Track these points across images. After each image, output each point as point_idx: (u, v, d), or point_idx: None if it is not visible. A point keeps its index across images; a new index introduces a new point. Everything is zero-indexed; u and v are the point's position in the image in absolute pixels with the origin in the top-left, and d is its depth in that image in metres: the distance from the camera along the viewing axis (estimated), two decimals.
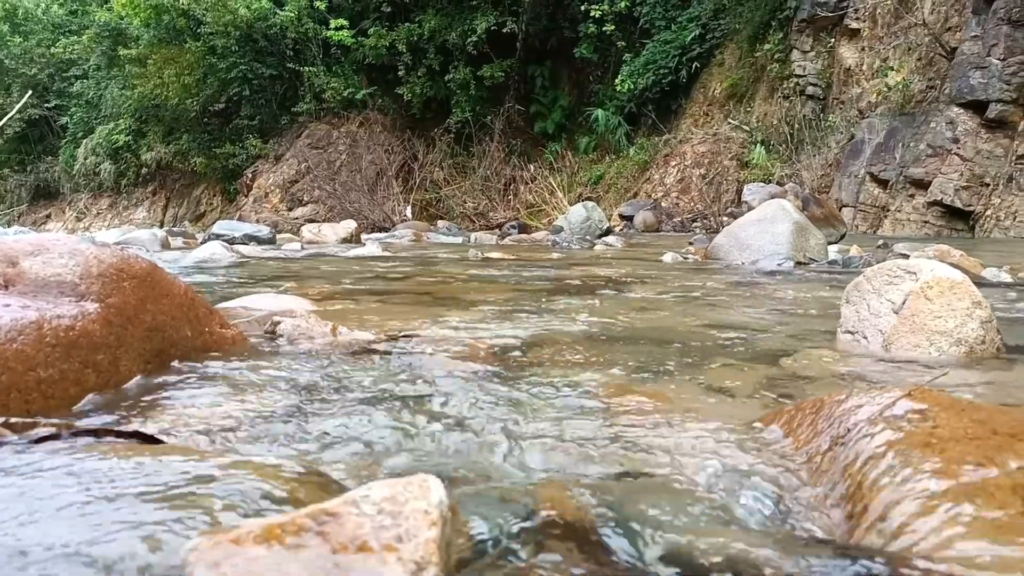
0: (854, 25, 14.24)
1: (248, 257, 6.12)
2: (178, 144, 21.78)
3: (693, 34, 16.83)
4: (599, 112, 17.82)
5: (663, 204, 14.67)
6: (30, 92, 23.75)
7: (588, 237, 9.39)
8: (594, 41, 17.92)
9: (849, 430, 1.04)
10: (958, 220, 11.20)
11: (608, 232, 10.42)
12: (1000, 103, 10.84)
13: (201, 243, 7.64)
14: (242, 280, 4.21)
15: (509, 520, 0.84)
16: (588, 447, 1.18)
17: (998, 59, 10.88)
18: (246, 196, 19.84)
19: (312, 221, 14.75)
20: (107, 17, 21.68)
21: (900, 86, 12.76)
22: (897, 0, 13.02)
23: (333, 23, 18.57)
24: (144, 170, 23.33)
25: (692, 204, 14.61)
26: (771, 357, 1.94)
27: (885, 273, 2.06)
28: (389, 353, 1.82)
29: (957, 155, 11.16)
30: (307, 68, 19.14)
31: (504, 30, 17.96)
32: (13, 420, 1.04)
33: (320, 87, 19.19)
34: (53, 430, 1.00)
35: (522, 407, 1.38)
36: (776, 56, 15.44)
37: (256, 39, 19.37)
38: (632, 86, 16.96)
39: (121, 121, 23.14)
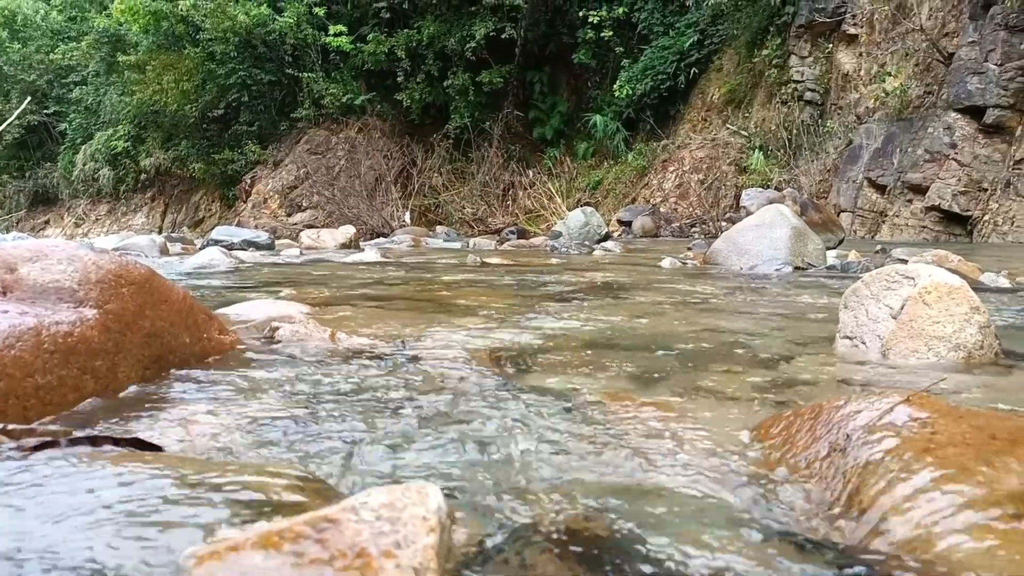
0: (852, 31, 14.27)
1: (247, 263, 6.12)
2: (177, 150, 21.80)
3: (691, 40, 16.87)
4: (597, 118, 17.85)
5: (662, 209, 14.68)
6: (29, 98, 23.76)
7: (587, 242, 9.39)
8: (592, 47, 17.96)
9: (848, 436, 1.04)
10: (956, 225, 11.22)
11: (607, 237, 10.43)
12: (997, 108, 10.87)
13: (200, 249, 7.64)
14: (241, 286, 4.20)
15: (507, 526, 0.84)
16: (587, 453, 1.18)
17: (995, 64, 10.90)
18: (245, 202, 19.85)
19: (311, 227, 14.74)
20: (106, 23, 21.72)
21: (898, 91, 12.79)
22: (894, 6, 13.06)
23: (332, 29, 18.60)
24: (143, 176, 23.34)
25: (690, 209, 14.62)
26: (769, 363, 1.94)
27: (883, 278, 2.06)
28: (388, 359, 1.82)
29: (955, 160, 11.18)
30: (306, 74, 19.17)
31: (503, 36, 17.99)
32: (11, 427, 1.03)
33: (319, 93, 19.21)
34: (51, 437, 1.00)
35: (520, 413, 1.38)
36: (774, 62, 15.48)
37: (255, 45, 19.40)
38: (630, 92, 16.99)
39: (120, 127, 23.17)
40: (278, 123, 20.35)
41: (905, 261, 4.22)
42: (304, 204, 18.92)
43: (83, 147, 24.76)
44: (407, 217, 17.67)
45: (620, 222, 13.89)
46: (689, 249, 7.77)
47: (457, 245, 10.60)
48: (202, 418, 1.28)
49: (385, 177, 18.93)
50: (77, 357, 1.36)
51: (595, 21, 17.29)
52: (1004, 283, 4.22)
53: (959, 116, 11.30)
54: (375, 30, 18.78)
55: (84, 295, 1.46)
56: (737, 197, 13.54)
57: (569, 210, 13.72)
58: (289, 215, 18.74)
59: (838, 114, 14.35)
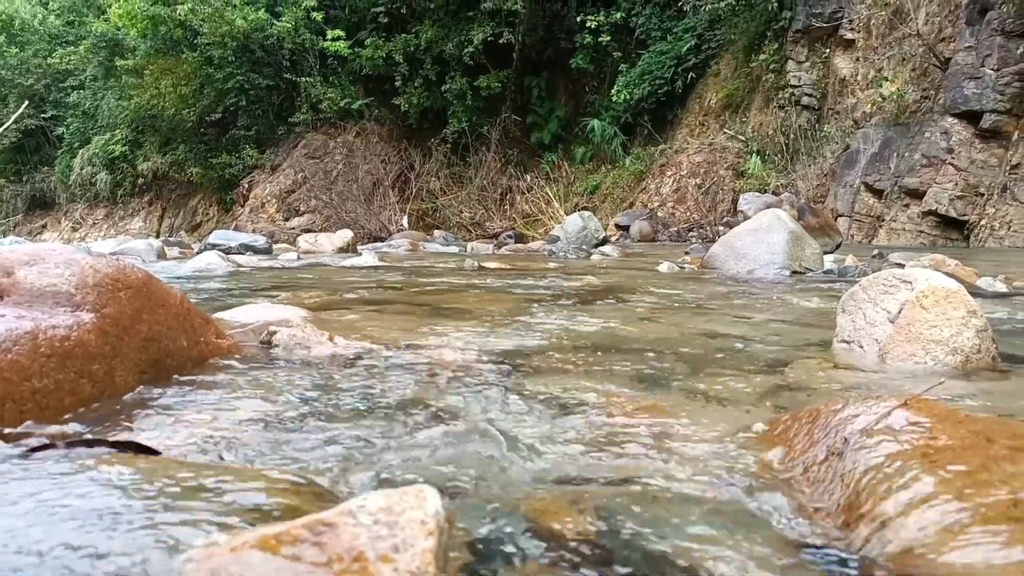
0: (849, 36, 14.31)
1: (244, 267, 6.12)
2: (174, 154, 21.80)
3: (689, 44, 16.91)
4: (595, 122, 17.87)
5: (659, 214, 14.69)
6: (26, 102, 23.73)
7: (584, 247, 9.40)
8: (590, 52, 17.99)
9: (846, 440, 1.04)
10: (953, 230, 11.24)
11: (604, 242, 10.43)
12: (994, 113, 10.90)
13: (197, 253, 7.64)
14: (238, 290, 4.20)
15: (506, 530, 0.84)
16: (585, 456, 1.18)
17: (992, 69, 10.93)
18: (242, 206, 19.84)
19: (308, 231, 14.75)
20: (104, 28, 21.71)
21: (895, 96, 12.82)
22: (891, 11, 13.09)
23: (330, 34, 18.62)
24: (140, 180, 23.33)
25: (688, 214, 14.63)
26: (767, 367, 1.94)
27: (881, 282, 2.06)
28: (386, 363, 1.82)
29: (951, 165, 11.20)
30: (304, 79, 19.18)
31: (501, 41, 18.02)
32: (7, 430, 1.03)
33: (317, 97, 19.22)
34: (48, 440, 1.00)
35: (519, 416, 1.38)
36: (771, 66, 15.51)
37: (253, 50, 19.42)
38: (628, 96, 17.02)
39: (117, 131, 23.16)
40: (276, 127, 20.35)
41: (902, 265, 4.23)
42: (302, 208, 18.92)
43: (80, 151, 24.74)
44: (405, 221, 17.68)
45: (618, 227, 13.90)
46: (687, 253, 7.77)
47: (455, 249, 10.60)
48: (199, 422, 1.28)
49: (383, 181, 18.94)
50: (74, 361, 1.36)
51: (593, 26, 17.33)
52: (1001, 287, 4.22)
53: (956, 121, 11.32)
54: (373, 35, 18.80)
55: (81, 299, 1.45)
56: (735, 202, 13.55)
57: (567, 214, 13.72)
58: (287, 219, 18.74)
59: (835, 119, 14.38)
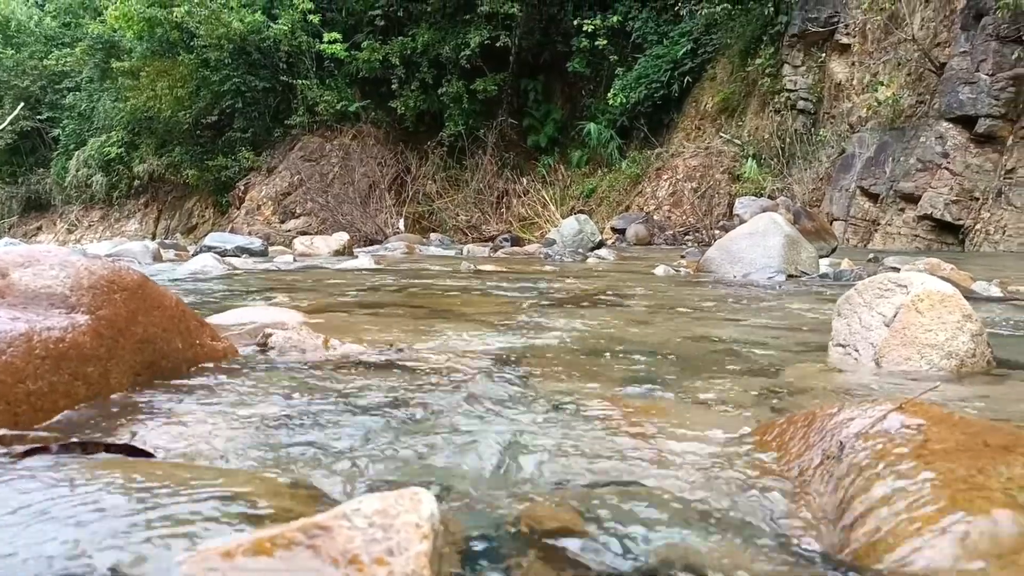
0: (844, 40, 14.35)
1: (240, 269, 6.11)
2: (170, 156, 21.77)
3: (685, 49, 16.94)
4: (591, 126, 17.89)
5: (655, 217, 14.71)
6: (22, 104, 23.74)
7: (580, 250, 9.40)
8: (587, 55, 18.02)
9: (841, 443, 1.04)
10: (948, 234, 11.27)
11: (600, 245, 10.44)
12: (989, 118, 10.93)
13: (193, 255, 7.62)
14: (234, 292, 4.19)
15: (501, 533, 0.84)
16: (580, 460, 1.17)
17: (987, 74, 10.97)
18: (238, 208, 19.83)
19: (304, 233, 14.73)
20: (100, 30, 21.69)
21: (890, 101, 12.86)
22: (887, 16, 13.13)
23: (326, 36, 18.62)
24: (136, 182, 23.30)
25: (684, 217, 14.65)
26: (763, 370, 1.94)
27: (876, 286, 2.06)
28: (381, 365, 1.82)
29: (947, 169, 11.23)
30: (300, 81, 19.18)
31: (497, 44, 18.04)
32: (1, 433, 1.03)
33: (313, 100, 19.22)
34: (41, 443, 1.00)
35: (514, 419, 1.38)
36: (767, 71, 15.55)
37: (249, 52, 19.41)
38: (624, 100, 17.05)
39: (113, 133, 23.13)
40: (272, 130, 20.34)
41: (897, 269, 4.23)
42: (298, 211, 18.91)
43: (76, 153, 24.70)
44: (401, 224, 17.68)
45: (614, 230, 13.91)
46: (682, 257, 7.78)
47: (451, 252, 10.60)
48: (194, 424, 1.28)
49: (379, 184, 18.94)
50: (69, 363, 1.35)
51: (589, 30, 17.36)
52: (996, 292, 4.23)
53: (951, 126, 11.35)
54: (370, 37, 18.81)
55: (76, 301, 1.45)
56: (730, 205, 13.58)
57: (563, 218, 13.72)
58: (283, 222, 18.72)
59: (831, 123, 14.41)
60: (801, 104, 15.05)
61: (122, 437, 1.20)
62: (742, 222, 7.20)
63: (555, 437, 1.28)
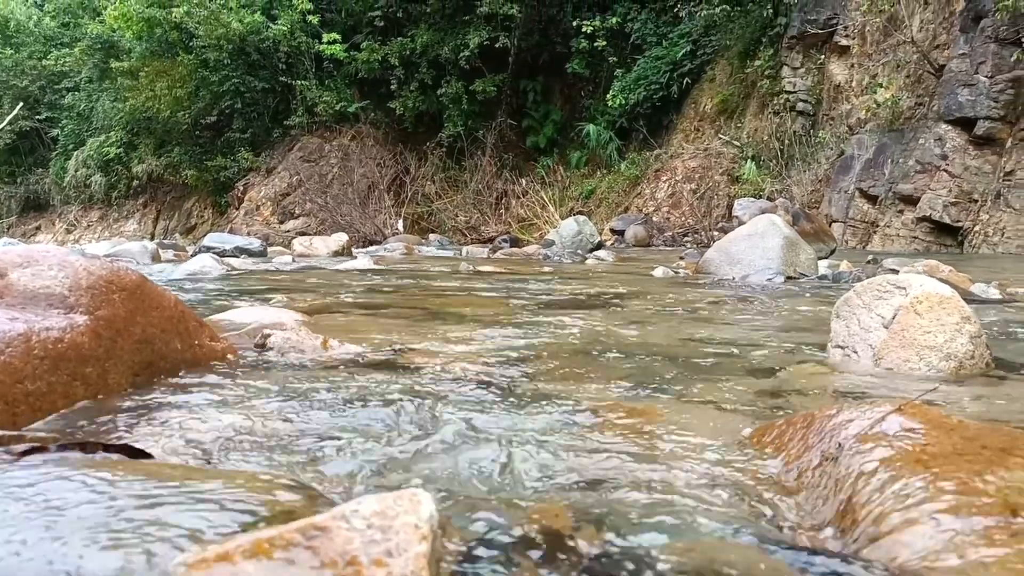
0: (844, 42, 14.36)
1: (239, 270, 6.10)
2: (169, 157, 21.77)
3: (684, 50, 16.95)
4: (591, 127, 17.90)
5: (654, 219, 14.71)
6: (21, 104, 23.72)
7: (579, 251, 9.40)
8: (586, 56, 18.03)
9: (840, 445, 1.04)
10: (947, 236, 11.28)
11: (599, 246, 10.44)
12: (988, 120, 10.94)
13: (191, 256, 7.62)
14: (232, 293, 4.19)
15: (500, 535, 0.84)
16: (579, 462, 1.17)
17: (986, 77, 10.98)
18: (237, 209, 19.82)
19: (303, 234, 14.74)
20: (99, 30, 21.70)
21: (889, 103, 12.87)
22: (886, 18, 13.14)
23: (326, 37, 18.63)
24: (135, 182, 23.29)
25: (683, 219, 14.66)
26: (762, 372, 1.94)
27: (875, 288, 2.07)
28: (380, 366, 1.82)
29: (946, 171, 11.24)
30: (299, 81, 19.18)
31: (496, 45, 18.04)
32: (0, 433, 1.03)
33: (312, 100, 19.22)
34: (40, 443, 1.00)
35: (513, 421, 1.38)
36: (766, 72, 15.56)
37: (249, 52, 19.41)
38: (623, 101, 17.05)
39: (112, 133, 23.13)
40: (271, 130, 20.35)
41: (896, 271, 4.24)
42: (297, 211, 18.91)
43: (75, 153, 24.70)
44: (400, 225, 17.68)
45: (613, 231, 13.91)
46: (681, 258, 7.79)
47: (450, 253, 10.60)
48: (192, 425, 1.28)
49: (378, 185, 18.94)
50: (67, 363, 1.35)
51: (588, 31, 17.37)
52: (995, 294, 4.23)
53: (950, 128, 11.36)
54: (369, 38, 18.82)
55: (75, 301, 1.45)
56: (729, 207, 13.59)
57: (562, 219, 13.73)
58: (282, 222, 18.72)
59: (830, 125, 14.42)
60: (800, 106, 15.06)
61: (120, 437, 1.20)
62: (741, 224, 7.20)
63: (553, 438, 1.28)
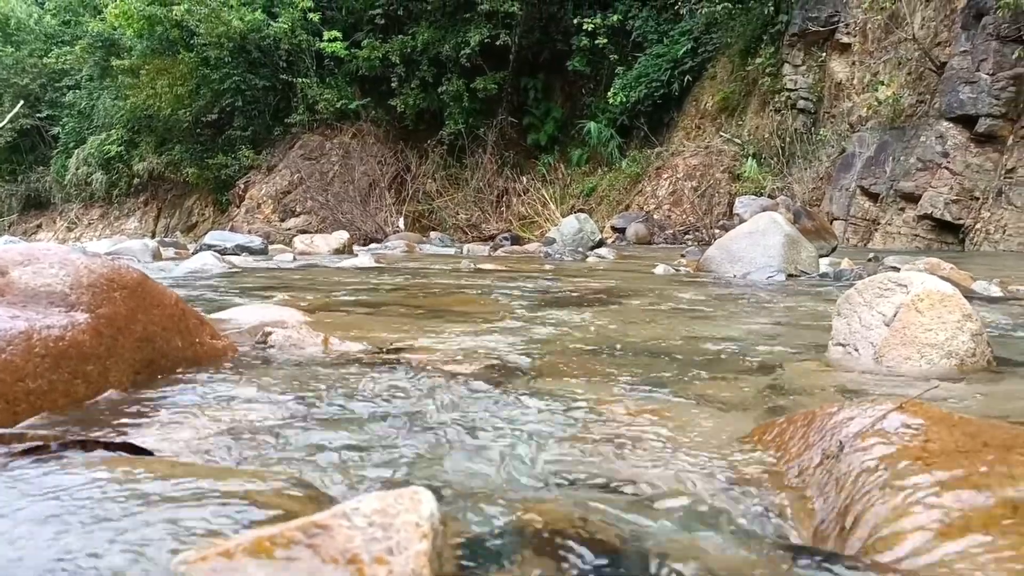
0: (845, 40, 14.34)
1: (240, 268, 6.11)
2: (170, 155, 21.76)
3: (685, 48, 16.93)
4: (592, 125, 17.89)
5: (655, 216, 14.70)
6: (22, 102, 23.72)
7: (580, 249, 9.40)
8: (587, 54, 18.01)
9: (841, 443, 1.04)
10: (948, 234, 11.27)
11: (600, 244, 10.43)
12: (989, 118, 10.93)
13: (192, 254, 7.62)
14: (234, 291, 4.19)
15: (501, 532, 0.84)
16: (579, 460, 1.17)
17: (987, 74, 10.96)
18: (238, 207, 19.82)
19: (304, 232, 14.74)
20: (100, 28, 21.69)
21: (890, 100, 12.85)
22: (887, 15, 13.12)
23: (327, 35, 18.62)
24: (136, 180, 23.29)
25: (684, 216, 14.65)
26: (762, 369, 1.94)
27: (876, 286, 2.06)
28: (381, 364, 1.82)
29: (947, 169, 11.23)
30: (300, 79, 19.17)
31: (497, 43, 18.02)
32: (0, 431, 1.03)
33: (313, 98, 19.21)
34: (41, 441, 1.00)
35: (514, 419, 1.38)
36: (768, 70, 15.54)
37: (249, 50, 19.40)
38: (624, 99, 17.04)
39: (113, 131, 23.12)
40: (272, 128, 20.34)
41: (897, 269, 4.24)
42: (298, 209, 18.91)
43: (76, 151, 24.70)
44: (401, 223, 17.67)
45: (614, 229, 13.90)
46: (682, 256, 7.78)
47: (451, 251, 10.60)
48: (194, 423, 1.28)
49: (379, 183, 18.94)
50: (68, 361, 1.35)
51: (589, 28, 17.35)
52: (996, 291, 4.23)
53: (951, 125, 11.35)
54: (370, 36, 18.80)
55: (76, 299, 1.45)
56: (730, 204, 13.58)
57: (563, 217, 13.72)
58: (283, 220, 18.72)
59: (831, 122, 14.40)
60: (801, 103, 15.04)
61: (122, 435, 1.20)
62: (742, 221, 7.20)
63: (553, 436, 1.28)
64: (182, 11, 18.54)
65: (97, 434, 1.20)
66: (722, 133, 16.08)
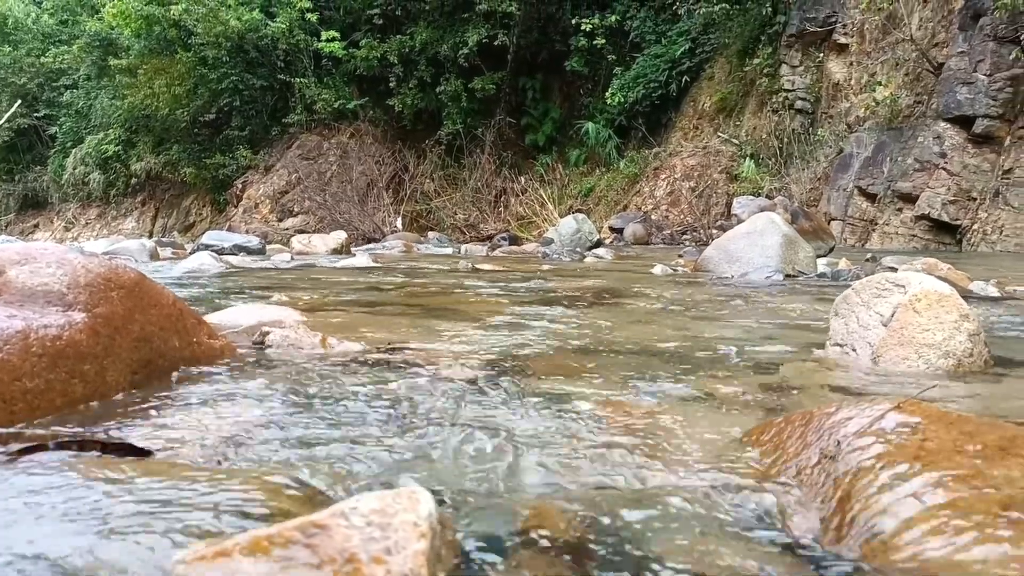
0: (842, 40, 14.36)
1: (237, 268, 6.10)
2: (168, 154, 21.75)
3: (683, 48, 16.94)
4: (590, 125, 17.89)
5: (653, 217, 14.71)
6: (19, 101, 23.68)
7: (578, 249, 9.40)
8: (585, 54, 18.02)
9: (838, 443, 1.04)
10: (945, 234, 11.28)
11: (598, 244, 10.43)
12: (987, 118, 10.94)
13: (190, 253, 7.61)
14: (231, 291, 4.19)
15: (498, 532, 0.84)
16: (577, 460, 1.17)
17: (984, 75, 10.98)
18: (236, 207, 19.81)
19: (302, 232, 14.73)
20: (98, 27, 21.67)
21: (888, 101, 12.86)
22: (885, 16, 13.14)
23: (324, 35, 18.61)
24: (133, 180, 23.26)
25: (682, 217, 14.65)
26: (760, 369, 1.94)
27: (874, 286, 2.07)
28: (378, 364, 1.82)
29: (944, 169, 11.24)
30: (298, 79, 19.16)
31: (495, 43, 18.03)
32: None
33: (311, 98, 19.20)
34: (38, 441, 1.00)
35: (512, 419, 1.38)
36: (765, 70, 15.55)
37: (247, 50, 19.39)
38: (622, 99, 17.05)
39: (111, 131, 23.10)
40: (270, 128, 20.33)
41: (895, 269, 4.24)
42: (295, 209, 18.89)
43: (73, 151, 24.68)
44: (399, 223, 17.67)
45: (612, 229, 13.91)
46: (680, 256, 7.78)
47: (449, 251, 10.59)
48: (191, 422, 1.28)
49: (377, 182, 18.93)
50: (65, 361, 1.35)
51: (588, 29, 17.36)
52: (993, 292, 4.24)
53: (948, 126, 11.36)
54: (368, 36, 18.80)
55: (73, 299, 1.45)
56: (728, 205, 13.59)
57: (561, 217, 13.72)
58: (280, 220, 18.71)
59: (829, 123, 14.42)
60: (799, 104, 15.06)
61: (119, 435, 1.20)
62: (740, 221, 7.20)
63: (551, 437, 1.28)
64: (180, 11, 18.52)
65: (94, 434, 1.20)
66: (720, 133, 16.09)
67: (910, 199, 11.56)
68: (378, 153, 19.59)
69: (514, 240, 11.78)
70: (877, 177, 12.34)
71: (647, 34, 17.61)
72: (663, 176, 16.01)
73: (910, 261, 5.67)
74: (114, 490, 0.81)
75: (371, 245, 12.08)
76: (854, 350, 2.03)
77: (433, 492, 0.73)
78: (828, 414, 1.13)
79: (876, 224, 12.10)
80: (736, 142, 15.64)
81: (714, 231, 11.92)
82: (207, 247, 8.21)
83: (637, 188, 16.50)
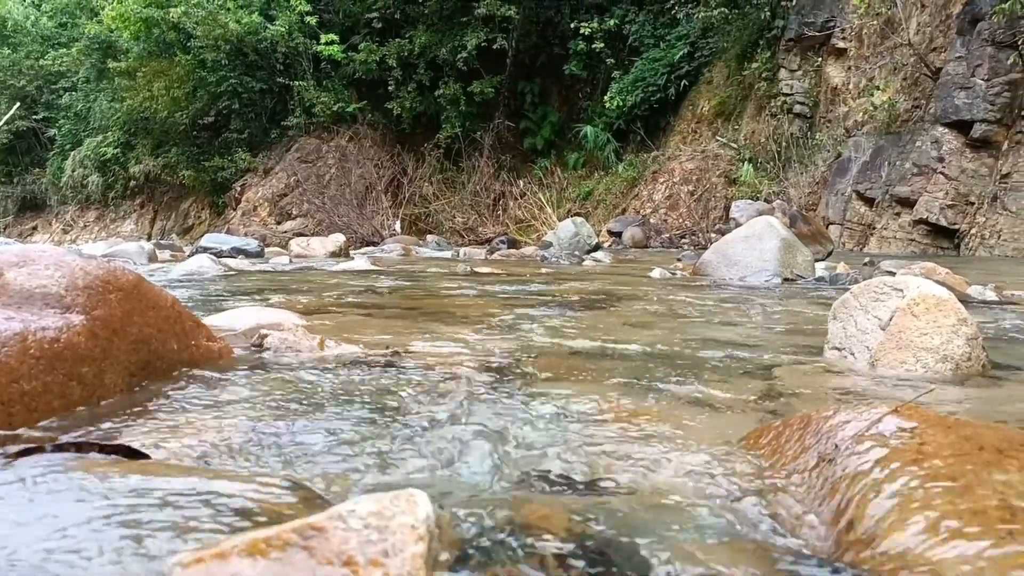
0: (841, 45, 14.39)
1: (236, 270, 6.10)
2: (167, 157, 21.75)
3: (682, 52, 16.98)
4: (588, 129, 17.92)
5: (651, 220, 14.72)
6: (18, 104, 23.69)
7: (577, 253, 9.40)
8: (584, 58, 18.05)
9: (836, 446, 1.04)
10: (943, 238, 11.29)
11: (597, 248, 10.44)
12: (984, 123, 10.96)
13: (189, 256, 7.61)
14: (229, 293, 4.19)
15: (496, 535, 0.84)
16: (575, 463, 1.17)
17: (982, 79, 11.00)
18: (235, 209, 19.81)
19: (301, 235, 14.73)
20: (97, 30, 21.68)
21: (886, 105, 12.89)
22: (883, 21, 13.17)
23: (324, 38, 18.63)
24: (132, 183, 23.27)
25: (680, 220, 14.67)
26: (758, 373, 1.94)
27: (872, 290, 2.07)
28: (377, 367, 1.82)
29: (942, 174, 11.26)
30: (297, 82, 19.18)
31: (494, 47, 18.05)
32: None
33: (310, 101, 19.22)
34: (36, 443, 0.99)
35: (509, 421, 1.38)
36: (764, 75, 15.58)
37: (246, 53, 19.41)
38: (621, 103, 17.07)
39: (110, 134, 23.11)
40: (269, 131, 20.34)
41: (893, 273, 4.24)
42: (294, 212, 18.90)
43: (72, 153, 24.68)
44: (397, 226, 17.68)
45: (610, 233, 13.92)
46: (679, 260, 7.79)
47: (447, 254, 10.60)
48: (189, 425, 1.28)
49: (375, 186, 18.94)
50: (63, 363, 1.35)
51: (586, 33, 17.39)
52: (991, 296, 4.24)
53: (946, 130, 11.39)
54: (367, 39, 18.83)
55: (71, 301, 1.45)
56: (727, 209, 13.60)
57: (560, 220, 13.74)
58: (279, 223, 18.71)
59: (827, 127, 14.44)
60: (797, 108, 15.08)
61: (117, 438, 1.19)
62: (738, 225, 7.20)
63: (549, 440, 1.28)
64: (179, 13, 18.54)
65: (93, 436, 1.19)
66: (718, 137, 16.11)
67: (908, 203, 11.58)
68: (377, 156, 19.61)
69: (513, 243, 11.79)
70: (875, 181, 12.36)
71: (646, 38, 17.65)
72: (661, 180, 16.03)
73: (908, 265, 5.67)
74: (111, 493, 0.81)
75: (370, 248, 12.08)
76: (852, 354, 2.04)
77: (431, 494, 0.73)
78: (826, 418, 1.13)
79: (874, 228, 12.12)
80: (734, 146, 15.67)
81: (712, 235, 11.94)
82: (205, 250, 8.21)
83: (635, 192, 16.52)
